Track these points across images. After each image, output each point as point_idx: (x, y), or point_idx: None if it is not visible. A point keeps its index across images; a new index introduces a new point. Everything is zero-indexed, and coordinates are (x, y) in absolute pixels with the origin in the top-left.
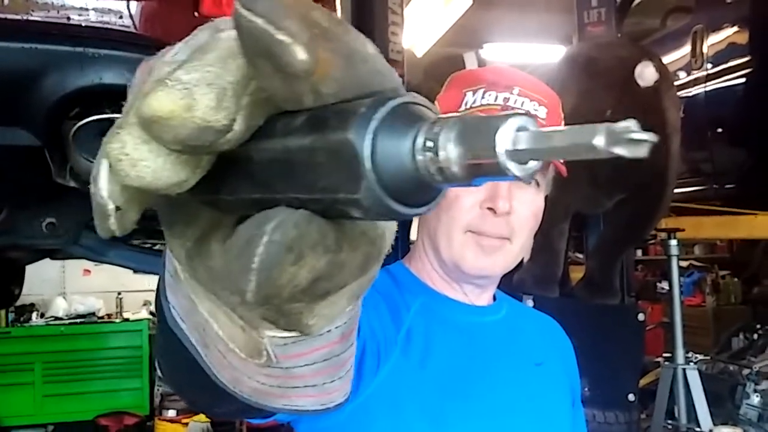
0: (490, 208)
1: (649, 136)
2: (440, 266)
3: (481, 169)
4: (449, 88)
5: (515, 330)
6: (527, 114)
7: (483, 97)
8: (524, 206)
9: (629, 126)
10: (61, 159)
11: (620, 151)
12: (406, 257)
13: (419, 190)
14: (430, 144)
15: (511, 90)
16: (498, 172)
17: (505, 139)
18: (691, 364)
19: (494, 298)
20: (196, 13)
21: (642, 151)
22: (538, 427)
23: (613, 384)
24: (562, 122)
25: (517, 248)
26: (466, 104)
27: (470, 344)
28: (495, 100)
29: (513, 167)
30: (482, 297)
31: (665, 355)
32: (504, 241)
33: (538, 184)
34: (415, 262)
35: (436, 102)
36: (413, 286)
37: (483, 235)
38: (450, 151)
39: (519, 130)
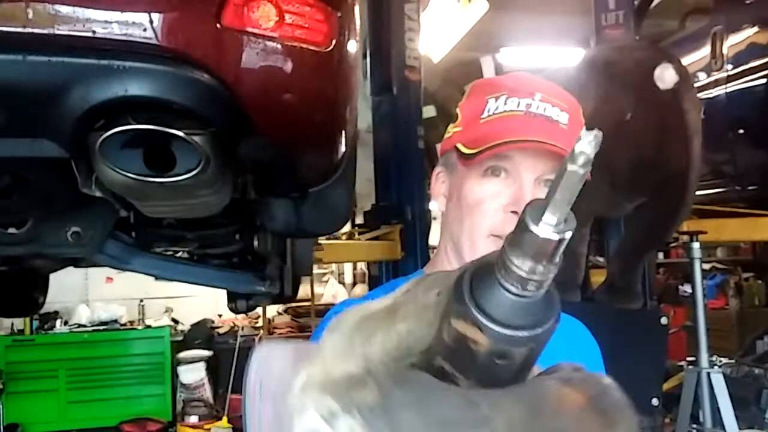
0: (514, 212)
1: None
2: None
3: (543, 255)
4: (471, 95)
5: None
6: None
7: (505, 104)
8: None
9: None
10: (87, 169)
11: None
12: (427, 265)
13: (534, 310)
14: (506, 275)
15: (533, 96)
16: (552, 247)
17: (540, 231)
18: (716, 367)
19: None
20: (218, 25)
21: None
22: None
23: (637, 389)
24: (584, 127)
25: None
26: (488, 111)
27: None
28: (517, 106)
29: (553, 234)
30: None
31: (689, 358)
32: None
33: None
34: (436, 270)
35: (458, 109)
36: None
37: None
38: (525, 267)
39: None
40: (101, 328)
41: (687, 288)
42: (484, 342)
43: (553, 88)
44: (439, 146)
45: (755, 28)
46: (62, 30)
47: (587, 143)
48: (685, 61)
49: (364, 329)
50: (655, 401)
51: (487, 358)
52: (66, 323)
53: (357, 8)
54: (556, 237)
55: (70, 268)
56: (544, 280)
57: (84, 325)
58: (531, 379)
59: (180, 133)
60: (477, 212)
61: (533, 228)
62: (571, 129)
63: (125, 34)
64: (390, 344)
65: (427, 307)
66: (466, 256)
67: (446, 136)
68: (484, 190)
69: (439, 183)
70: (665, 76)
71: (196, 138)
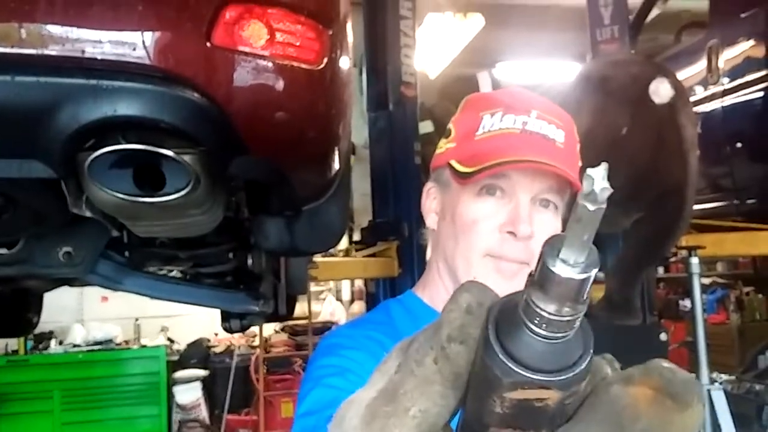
0: (510, 232)
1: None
2: None
3: (567, 295)
4: (465, 110)
5: None
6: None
7: (501, 120)
8: (543, 230)
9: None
10: (76, 190)
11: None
12: (419, 284)
13: (579, 336)
14: (539, 323)
15: (529, 113)
16: (576, 286)
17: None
18: (716, 384)
19: None
20: (208, 44)
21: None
22: None
23: None
24: (578, 144)
25: None
26: (483, 128)
27: None
28: (513, 124)
29: (576, 273)
30: None
31: None
32: (523, 266)
33: (556, 207)
34: (428, 290)
35: (451, 124)
36: (429, 317)
37: (502, 260)
38: (551, 308)
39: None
40: (96, 347)
41: (687, 303)
42: (553, 396)
43: (548, 105)
44: None
45: (751, 42)
46: (52, 50)
47: (600, 180)
48: (681, 75)
49: (376, 429)
50: None
51: (558, 406)
52: (61, 343)
53: (350, 25)
54: (578, 276)
55: (65, 288)
56: (576, 318)
57: (79, 345)
58: (596, 394)
59: (170, 153)
60: (472, 232)
61: (553, 267)
62: (567, 147)
63: (115, 54)
64: None
65: (430, 380)
66: (461, 276)
67: (438, 151)
68: (480, 210)
69: (430, 199)
70: (661, 91)
71: (186, 157)
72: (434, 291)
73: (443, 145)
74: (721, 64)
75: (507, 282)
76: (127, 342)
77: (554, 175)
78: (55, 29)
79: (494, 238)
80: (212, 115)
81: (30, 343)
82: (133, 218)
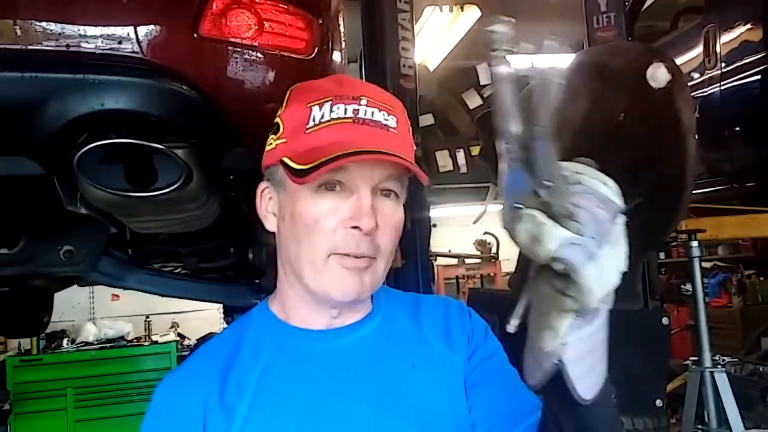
0: (354, 227)
1: None
2: (308, 295)
3: None
4: (292, 102)
5: (388, 336)
6: None
7: (332, 111)
8: (387, 220)
9: None
10: (70, 187)
11: None
12: (272, 296)
13: None
14: None
15: (359, 101)
16: None
17: None
18: (719, 366)
19: (372, 299)
20: (195, 35)
21: None
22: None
23: (640, 390)
24: (410, 128)
25: (383, 265)
26: (314, 120)
27: (335, 372)
28: (345, 113)
29: None
30: (354, 314)
31: (692, 358)
32: (370, 261)
33: (397, 196)
34: (279, 299)
35: (279, 119)
36: (270, 332)
37: (349, 257)
38: None
39: None
40: (108, 345)
41: (689, 287)
42: None
43: (377, 91)
44: (272, 163)
45: (748, 25)
46: (37, 45)
47: None
48: (678, 60)
49: None
50: (659, 402)
51: None
52: (73, 342)
53: (341, 16)
54: None
55: (76, 287)
56: None
57: (91, 343)
58: None
59: (160, 147)
60: (315, 231)
61: None
62: (400, 132)
63: (101, 47)
64: None
65: None
66: (309, 280)
67: (268, 148)
68: (320, 207)
69: (265, 200)
70: (658, 75)
71: (178, 151)
72: (285, 300)
73: (273, 142)
74: (718, 48)
75: (355, 278)
76: (138, 339)
77: (392, 163)
78: (39, 24)
79: (338, 236)
80: (202, 107)
81: (42, 343)
82: (128, 214)
